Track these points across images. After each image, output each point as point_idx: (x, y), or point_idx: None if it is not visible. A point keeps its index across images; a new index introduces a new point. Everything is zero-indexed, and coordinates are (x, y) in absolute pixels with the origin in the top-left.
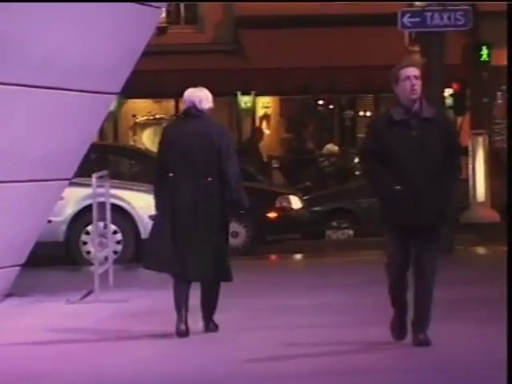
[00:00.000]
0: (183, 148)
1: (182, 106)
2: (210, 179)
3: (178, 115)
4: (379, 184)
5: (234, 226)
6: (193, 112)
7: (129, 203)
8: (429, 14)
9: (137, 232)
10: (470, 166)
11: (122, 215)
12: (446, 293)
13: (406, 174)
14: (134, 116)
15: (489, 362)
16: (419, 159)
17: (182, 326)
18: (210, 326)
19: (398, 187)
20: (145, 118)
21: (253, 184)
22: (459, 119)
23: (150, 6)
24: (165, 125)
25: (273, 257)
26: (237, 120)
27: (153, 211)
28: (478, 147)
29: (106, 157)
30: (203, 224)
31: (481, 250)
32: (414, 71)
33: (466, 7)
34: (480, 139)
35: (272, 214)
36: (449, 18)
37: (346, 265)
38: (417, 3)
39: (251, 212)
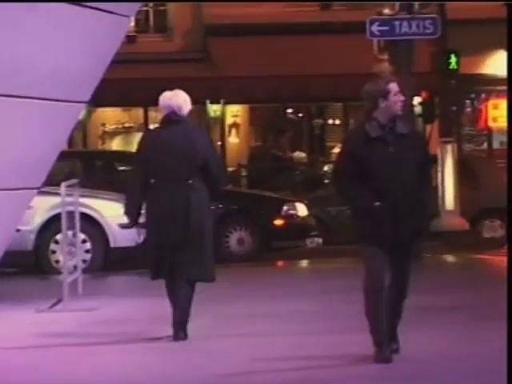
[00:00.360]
0: (165, 153)
1: (161, 113)
2: (190, 181)
3: (158, 124)
4: (357, 200)
5: (240, 233)
6: (172, 118)
7: (98, 212)
8: (397, 22)
9: (106, 241)
10: (439, 174)
11: (91, 224)
12: (414, 300)
13: (384, 191)
14: (103, 125)
15: (460, 369)
16: (397, 175)
17: (183, 333)
18: (180, 334)
19: (377, 203)
20: (114, 126)
21: (259, 191)
22: (428, 127)
23: (119, 14)
24: (144, 131)
25: (279, 263)
26: (206, 128)
27: (122, 220)
28: (447, 155)
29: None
30: (187, 225)
31: (449, 258)
32: (395, 86)
33: (434, 15)
34: (449, 147)
35: (278, 221)
36: (417, 26)
37: (317, 273)
38: (385, 11)
39: (257, 219)
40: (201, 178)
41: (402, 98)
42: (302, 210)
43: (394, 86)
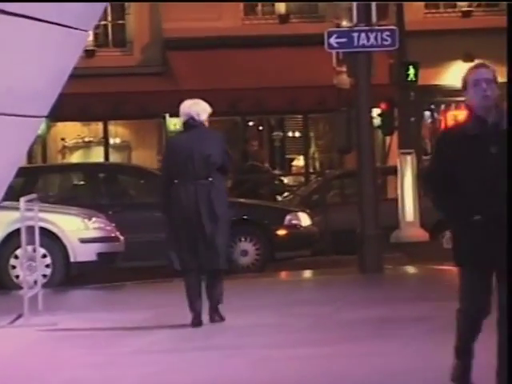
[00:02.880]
0: (185, 155)
1: (181, 119)
2: (210, 179)
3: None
4: (451, 214)
5: (243, 245)
6: (191, 123)
7: (58, 226)
8: (355, 34)
9: (66, 255)
10: (399, 186)
11: (51, 239)
12: (376, 312)
13: (484, 201)
14: (62, 139)
15: (421, 381)
16: (498, 181)
17: (197, 319)
18: (215, 317)
19: (476, 217)
20: (74, 141)
21: (262, 202)
22: (387, 139)
23: (77, 28)
24: (168, 138)
25: (282, 274)
26: (166, 142)
27: (83, 235)
28: (407, 167)
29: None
30: (207, 219)
31: (410, 269)
32: (484, 73)
33: (392, 27)
34: (408, 158)
35: (281, 232)
36: (375, 38)
37: (284, 284)
38: (344, 23)
39: (260, 229)
40: (218, 174)
41: (485, 87)
42: (304, 219)
43: (472, 75)
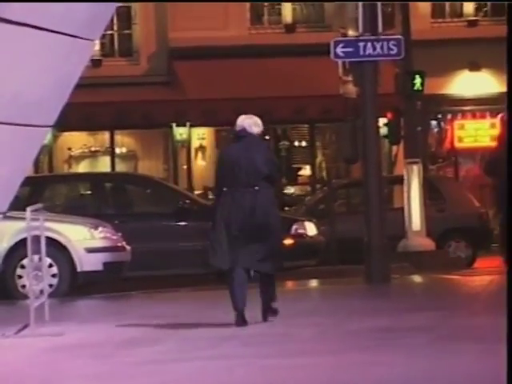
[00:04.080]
0: (233, 164)
1: (234, 130)
2: (256, 188)
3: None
4: None
5: None
6: (242, 134)
7: (64, 236)
8: (361, 43)
9: (72, 265)
10: (405, 195)
11: (57, 248)
12: (381, 321)
13: None
14: (69, 149)
15: None
16: None
17: (241, 319)
18: (267, 316)
19: None
20: (80, 150)
21: None
22: (394, 148)
23: (83, 38)
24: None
25: (286, 283)
26: (172, 152)
27: (89, 244)
28: (413, 176)
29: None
30: (255, 225)
31: (417, 279)
32: None
33: (399, 37)
34: (415, 168)
35: (288, 241)
36: (381, 47)
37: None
38: (350, 33)
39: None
40: (265, 183)
41: None
42: (311, 229)
43: None
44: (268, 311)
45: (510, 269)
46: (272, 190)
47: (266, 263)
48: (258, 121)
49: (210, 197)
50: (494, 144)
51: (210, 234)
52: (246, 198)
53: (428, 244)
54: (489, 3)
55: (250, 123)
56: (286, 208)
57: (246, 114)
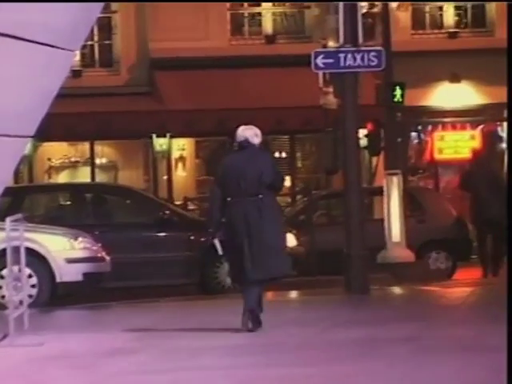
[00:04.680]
0: (237, 174)
1: (236, 140)
2: (260, 196)
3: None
4: None
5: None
6: (245, 145)
7: (44, 246)
8: (342, 54)
9: (52, 275)
10: (385, 206)
11: (36, 258)
12: (362, 332)
13: None
14: (49, 159)
15: None
16: None
17: (249, 324)
18: (256, 323)
19: None
20: (60, 161)
21: None
22: (374, 160)
23: (63, 48)
24: (223, 158)
25: (268, 294)
26: (152, 162)
27: (69, 255)
28: (393, 187)
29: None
30: (259, 233)
31: (397, 290)
32: None
33: (379, 48)
34: (394, 179)
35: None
36: (362, 58)
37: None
38: (330, 44)
39: None
40: (268, 191)
41: None
42: (291, 240)
43: None
44: (255, 319)
45: (510, 269)
46: (274, 197)
47: (279, 268)
48: (258, 132)
49: (190, 207)
50: (470, 157)
51: (226, 251)
52: (251, 207)
53: (408, 255)
54: (469, 15)
55: (252, 134)
56: None
57: (225, 124)
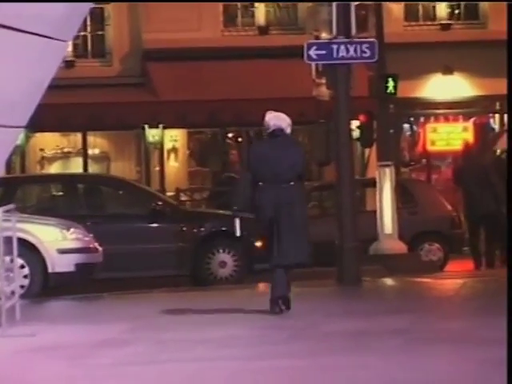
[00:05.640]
0: (272, 161)
1: (268, 128)
2: (292, 184)
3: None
4: None
5: (222, 256)
6: (278, 133)
7: (36, 237)
8: (335, 46)
9: (44, 266)
10: (378, 198)
11: (29, 249)
12: (354, 324)
13: None
14: (41, 150)
15: None
16: None
17: (277, 309)
18: (284, 307)
19: None
20: (53, 151)
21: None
22: (366, 151)
23: (56, 39)
24: (253, 143)
25: (260, 286)
26: (145, 153)
27: (61, 245)
28: (385, 179)
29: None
30: (289, 219)
31: (388, 282)
32: None
33: (372, 40)
34: (387, 171)
35: (260, 243)
36: (355, 50)
37: (262, 296)
38: (323, 35)
39: (239, 241)
40: (298, 179)
41: None
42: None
43: None
44: (285, 304)
45: (510, 268)
46: (303, 186)
47: (303, 256)
48: (290, 121)
49: (183, 198)
50: (460, 152)
51: (264, 233)
52: (283, 193)
53: (400, 247)
54: (462, 7)
55: (286, 125)
56: None
57: (218, 116)
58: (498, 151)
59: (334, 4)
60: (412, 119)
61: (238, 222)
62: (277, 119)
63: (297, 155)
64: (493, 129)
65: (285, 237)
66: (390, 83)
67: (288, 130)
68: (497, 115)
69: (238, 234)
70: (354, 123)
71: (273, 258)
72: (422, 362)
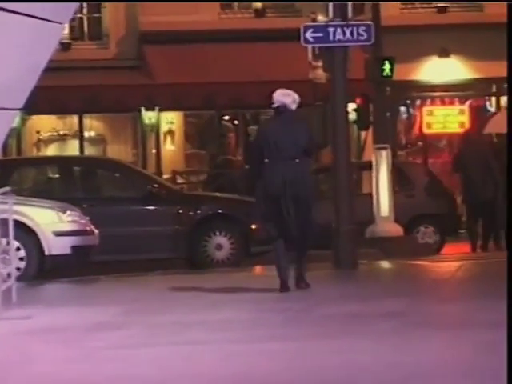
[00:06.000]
0: (276, 138)
1: (273, 105)
2: (297, 160)
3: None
4: None
5: (218, 239)
6: (282, 110)
7: (32, 219)
8: (331, 29)
9: (40, 248)
10: (374, 181)
11: (25, 232)
12: (349, 307)
13: None
14: (37, 132)
15: (391, 376)
16: None
17: (284, 286)
18: (302, 284)
19: None
20: (49, 134)
21: (237, 196)
22: (363, 134)
23: (52, 21)
24: (261, 122)
25: (257, 268)
26: (141, 136)
27: (57, 228)
28: (382, 162)
29: None
30: (293, 196)
31: (385, 265)
32: None
33: (368, 22)
34: (383, 153)
35: (256, 226)
36: (351, 33)
37: (258, 279)
38: (320, 18)
39: (236, 224)
40: (304, 156)
41: None
42: None
43: None
44: (301, 281)
45: (509, 263)
46: (310, 162)
47: (303, 232)
48: (297, 97)
49: (179, 181)
50: (460, 139)
51: (257, 206)
52: (287, 170)
53: (396, 230)
54: None
55: (290, 101)
56: None
57: (214, 98)
58: (494, 138)
59: None
60: (408, 102)
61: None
62: (281, 95)
63: (300, 131)
64: (489, 111)
65: (289, 213)
66: (387, 66)
67: (293, 107)
68: (493, 98)
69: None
70: (351, 106)
71: (276, 233)
72: (417, 346)
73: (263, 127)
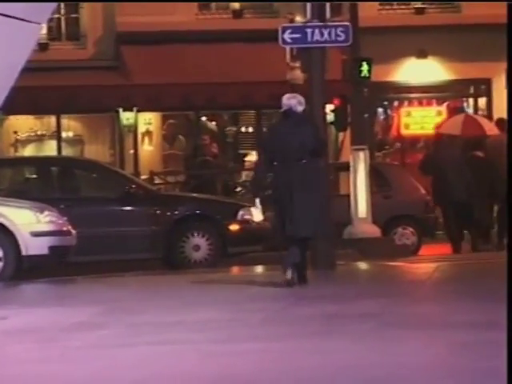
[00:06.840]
0: (283, 140)
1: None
2: (304, 161)
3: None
4: None
5: (196, 240)
6: (289, 113)
7: (9, 220)
8: (309, 29)
9: (17, 248)
10: (352, 182)
11: (2, 232)
12: (326, 308)
13: None
14: (15, 132)
15: (368, 377)
16: None
17: (290, 280)
18: (301, 281)
19: None
20: (26, 134)
21: (214, 197)
22: (341, 135)
23: (30, 21)
24: (268, 125)
25: (234, 269)
26: (119, 136)
27: (35, 228)
28: (359, 163)
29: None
30: (302, 195)
31: (362, 266)
32: None
33: (346, 23)
34: (361, 154)
35: (234, 227)
36: (329, 34)
37: (236, 279)
38: (298, 19)
39: (213, 225)
40: (311, 157)
41: None
42: (257, 215)
43: None
44: (301, 278)
45: (509, 262)
46: (319, 162)
47: (310, 229)
48: (302, 100)
49: (157, 181)
50: (433, 139)
51: (274, 208)
52: (295, 171)
53: (374, 231)
54: None
55: (295, 103)
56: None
57: (192, 99)
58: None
59: None
60: (386, 103)
61: (258, 202)
62: (287, 99)
63: (307, 133)
64: (466, 113)
65: (296, 213)
66: (364, 67)
67: (299, 108)
68: (470, 99)
69: (259, 215)
70: (328, 107)
71: (284, 232)
72: (394, 346)
73: (270, 130)
